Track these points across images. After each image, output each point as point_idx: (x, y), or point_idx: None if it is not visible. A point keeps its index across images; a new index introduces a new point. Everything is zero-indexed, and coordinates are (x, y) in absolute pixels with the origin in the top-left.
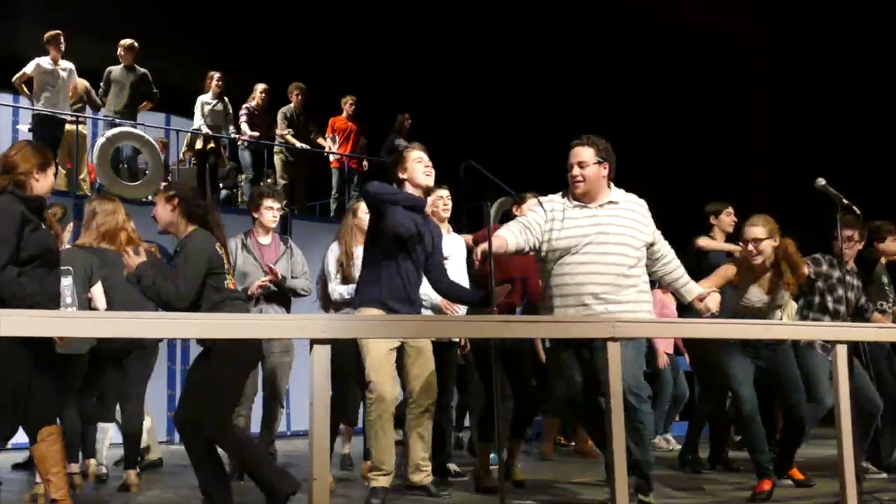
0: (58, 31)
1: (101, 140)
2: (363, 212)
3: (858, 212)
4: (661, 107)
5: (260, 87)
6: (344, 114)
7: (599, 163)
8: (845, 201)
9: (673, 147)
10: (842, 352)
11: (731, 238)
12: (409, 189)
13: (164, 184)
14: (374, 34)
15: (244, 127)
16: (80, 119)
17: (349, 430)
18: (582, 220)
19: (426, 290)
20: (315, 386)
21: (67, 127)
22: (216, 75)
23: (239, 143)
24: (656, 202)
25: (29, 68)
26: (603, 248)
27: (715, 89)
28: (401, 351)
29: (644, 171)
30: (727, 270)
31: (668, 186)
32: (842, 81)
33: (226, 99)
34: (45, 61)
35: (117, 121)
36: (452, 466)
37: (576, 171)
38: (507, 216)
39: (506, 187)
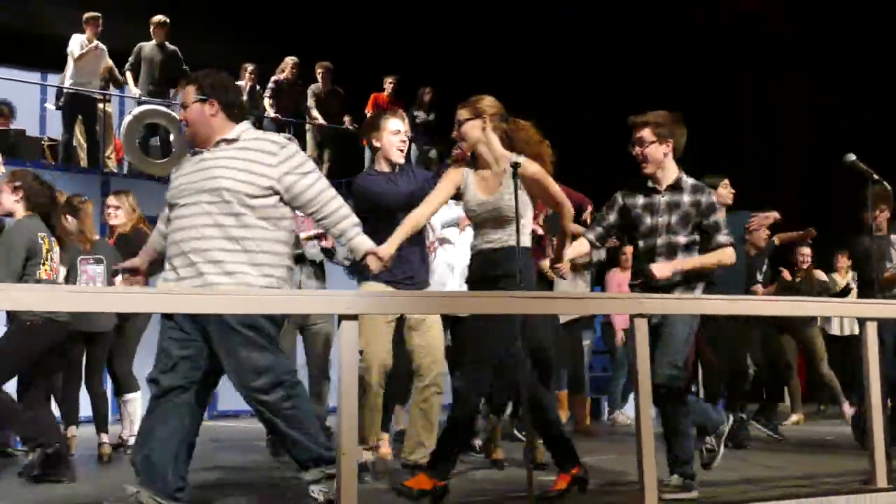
0: (98, 14)
1: (128, 118)
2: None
3: (888, 186)
4: (691, 84)
5: (290, 60)
6: (386, 92)
7: (203, 101)
8: (875, 176)
9: (702, 122)
10: (871, 329)
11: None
12: (380, 161)
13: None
14: (403, 8)
15: (266, 102)
16: (107, 97)
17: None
18: (188, 168)
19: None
20: (343, 361)
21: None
22: (250, 67)
23: (265, 117)
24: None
25: (75, 46)
26: (203, 197)
27: (746, 66)
28: (402, 324)
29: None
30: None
31: (697, 162)
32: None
33: (258, 88)
34: (83, 39)
35: (143, 98)
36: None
37: (181, 115)
38: None
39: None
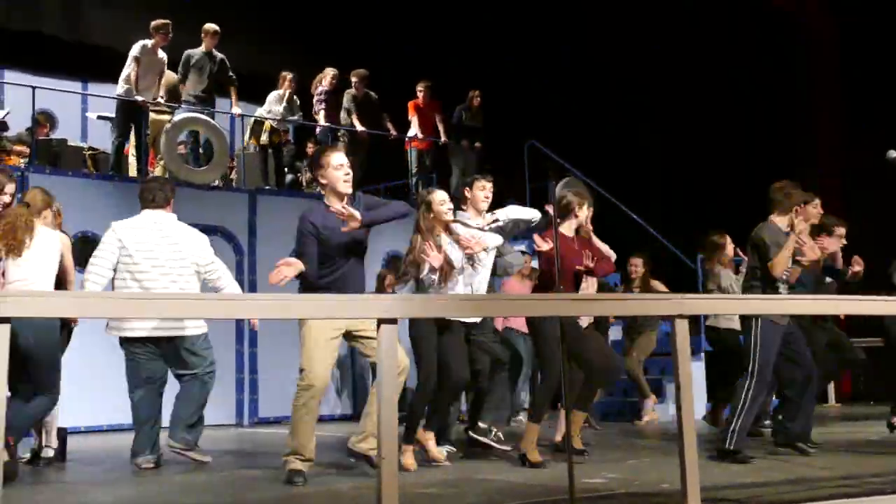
0: (167, 21)
1: (167, 125)
2: (438, 203)
3: None
4: (726, 84)
5: (330, 70)
6: (420, 98)
7: None
8: None
9: (736, 122)
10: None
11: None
12: (329, 197)
13: None
14: (444, 12)
15: (322, 112)
16: (168, 109)
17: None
18: None
19: None
20: (382, 366)
21: (154, 116)
22: (289, 76)
23: (318, 127)
24: (720, 177)
25: (135, 50)
26: None
27: (779, 62)
28: (354, 335)
29: (708, 147)
30: None
31: (732, 162)
32: None
33: (295, 98)
34: (148, 44)
35: (184, 107)
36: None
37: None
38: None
39: (570, 167)
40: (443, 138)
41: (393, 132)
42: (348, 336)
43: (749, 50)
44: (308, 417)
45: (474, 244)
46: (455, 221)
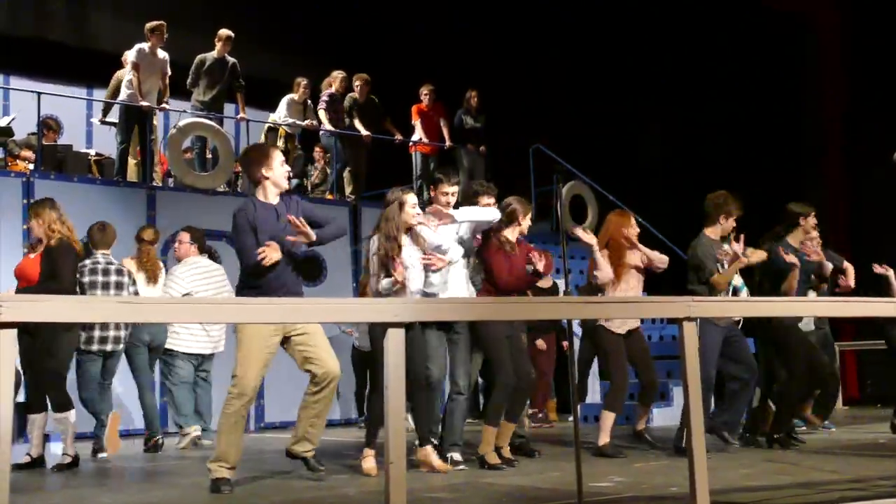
0: (161, 23)
1: (172, 130)
2: (410, 206)
3: None
4: (732, 86)
5: (339, 73)
6: (424, 102)
7: None
8: None
9: (741, 124)
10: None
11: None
12: (269, 188)
13: None
14: (448, 15)
15: (322, 115)
16: (158, 110)
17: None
18: None
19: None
20: (390, 370)
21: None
22: (304, 81)
23: (321, 130)
24: (726, 179)
25: (132, 55)
26: None
27: (785, 63)
28: (289, 340)
29: (713, 149)
30: None
31: (737, 164)
32: None
33: (309, 102)
34: (145, 47)
35: (190, 111)
36: (455, 456)
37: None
38: (578, 200)
39: (576, 171)
40: (447, 142)
41: (397, 136)
42: (284, 341)
43: (755, 52)
44: (238, 425)
45: (437, 261)
46: (420, 224)
